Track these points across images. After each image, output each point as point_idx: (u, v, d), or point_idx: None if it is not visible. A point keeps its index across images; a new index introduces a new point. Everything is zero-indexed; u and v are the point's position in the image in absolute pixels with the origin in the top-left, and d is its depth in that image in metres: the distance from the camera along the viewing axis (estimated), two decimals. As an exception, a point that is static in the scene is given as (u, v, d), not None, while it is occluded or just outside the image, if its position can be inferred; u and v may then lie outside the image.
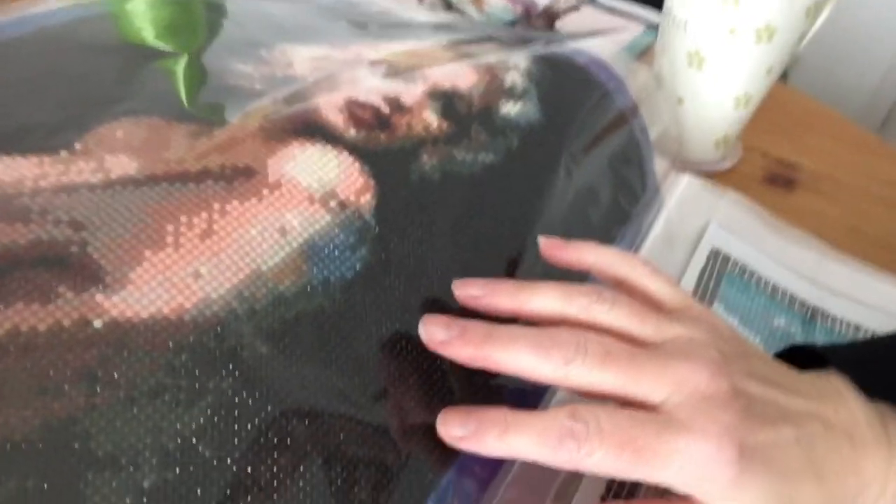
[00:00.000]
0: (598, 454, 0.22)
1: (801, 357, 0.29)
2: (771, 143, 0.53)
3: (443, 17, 0.43)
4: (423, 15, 0.43)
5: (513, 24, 0.61)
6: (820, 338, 0.35)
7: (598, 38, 0.40)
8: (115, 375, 0.21)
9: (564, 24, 0.63)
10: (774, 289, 0.38)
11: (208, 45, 0.34)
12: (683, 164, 0.48)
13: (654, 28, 0.66)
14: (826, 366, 0.27)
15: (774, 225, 0.43)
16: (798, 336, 0.35)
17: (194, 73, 0.30)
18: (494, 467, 0.27)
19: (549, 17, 0.63)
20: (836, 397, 0.25)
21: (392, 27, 0.40)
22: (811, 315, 0.36)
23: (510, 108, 0.34)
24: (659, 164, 0.43)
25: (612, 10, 0.66)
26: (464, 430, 0.23)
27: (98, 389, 0.21)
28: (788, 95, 0.60)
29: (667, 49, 0.44)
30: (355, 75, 0.33)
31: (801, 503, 0.23)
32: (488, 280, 0.27)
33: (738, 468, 0.22)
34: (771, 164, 0.51)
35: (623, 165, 0.38)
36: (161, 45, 0.32)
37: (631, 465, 0.22)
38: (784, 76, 1.05)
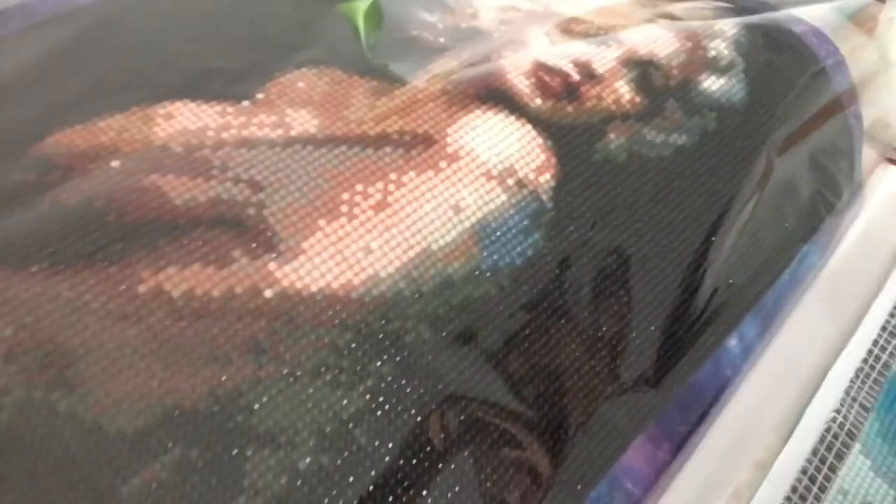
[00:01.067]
0: None
1: None
2: None
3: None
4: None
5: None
6: None
7: (820, 7, 0.35)
8: (281, 349, 0.21)
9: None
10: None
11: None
12: (889, 151, 0.42)
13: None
14: None
15: None
16: None
17: (375, 21, 0.29)
18: (648, 488, 0.26)
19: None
20: None
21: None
22: None
23: (711, 84, 0.30)
24: (868, 156, 0.37)
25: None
26: None
27: (264, 362, 0.20)
28: None
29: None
30: (544, 33, 0.30)
31: None
32: None
33: None
34: None
35: (829, 158, 0.33)
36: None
37: None
38: None
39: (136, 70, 0.25)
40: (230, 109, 0.24)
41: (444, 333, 0.23)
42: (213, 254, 0.21)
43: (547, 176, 0.26)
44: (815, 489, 0.26)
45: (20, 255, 0.20)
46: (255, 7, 0.28)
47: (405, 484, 0.21)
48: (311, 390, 0.21)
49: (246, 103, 0.24)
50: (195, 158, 0.22)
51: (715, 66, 0.31)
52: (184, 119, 0.23)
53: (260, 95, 0.25)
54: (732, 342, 0.29)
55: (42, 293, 0.19)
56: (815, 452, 0.27)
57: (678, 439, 0.27)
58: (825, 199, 0.33)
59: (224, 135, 0.23)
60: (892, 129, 0.42)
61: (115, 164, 0.22)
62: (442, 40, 0.28)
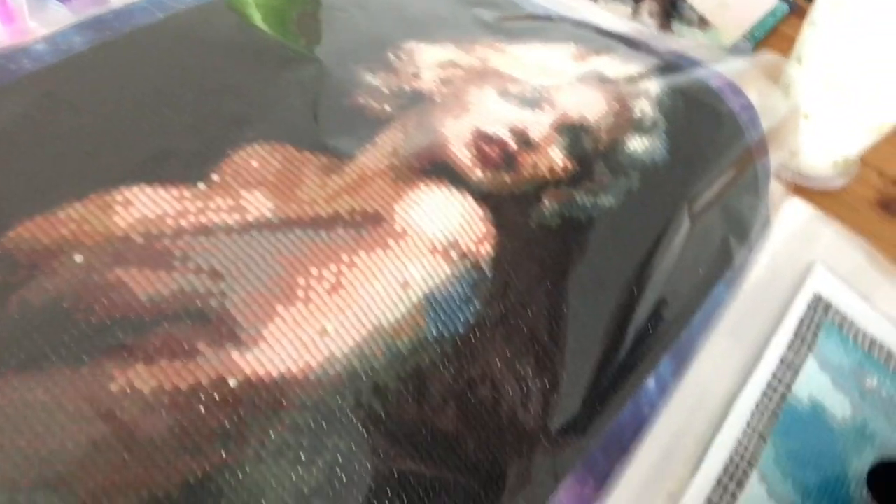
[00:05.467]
0: None
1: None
2: (889, 159, 0.50)
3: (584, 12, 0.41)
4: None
5: None
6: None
7: (733, 59, 0.38)
8: (246, 434, 0.22)
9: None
10: (872, 343, 0.37)
11: (331, 39, 0.33)
12: (793, 176, 0.46)
13: (786, 1, 0.61)
14: None
15: (879, 262, 0.41)
16: (888, 398, 0.35)
17: (324, 87, 0.30)
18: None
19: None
20: None
21: (520, 24, 0.38)
22: (903, 373, 0.36)
23: (636, 144, 0.33)
24: (773, 188, 0.41)
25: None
26: None
27: (230, 448, 0.22)
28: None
29: (805, 62, 0.41)
30: (482, 96, 0.32)
31: None
32: None
33: None
34: (887, 185, 0.48)
35: (740, 204, 0.36)
36: (281, 38, 0.32)
37: None
38: None
39: (89, 151, 0.25)
40: (187, 194, 0.25)
41: (394, 404, 0.25)
42: (179, 347, 0.22)
43: (487, 246, 0.28)
44: (718, 517, 0.30)
45: (-7, 360, 0.21)
46: (207, 78, 0.29)
47: (363, 548, 0.24)
48: (274, 470, 0.23)
49: (202, 186, 0.25)
50: (156, 250, 0.23)
51: (640, 127, 0.33)
52: (142, 206, 0.24)
53: (215, 177, 0.26)
54: (650, 383, 0.32)
55: (15, 396, 0.21)
56: (719, 482, 0.31)
57: (601, 476, 0.30)
58: (734, 242, 0.36)
59: (182, 222, 0.24)
60: (797, 158, 0.46)
61: (78, 258, 0.23)
62: (387, 108, 0.30)
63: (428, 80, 0.32)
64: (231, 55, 0.30)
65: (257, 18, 0.32)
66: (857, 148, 0.44)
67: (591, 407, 0.30)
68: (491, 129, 0.30)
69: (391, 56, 0.33)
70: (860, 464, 0.33)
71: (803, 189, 0.45)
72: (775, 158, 0.40)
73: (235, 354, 0.23)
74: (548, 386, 0.29)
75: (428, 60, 0.33)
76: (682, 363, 0.34)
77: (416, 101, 0.31)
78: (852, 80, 0.40)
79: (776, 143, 0.39)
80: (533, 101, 0.32)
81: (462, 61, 0.34)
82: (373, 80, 0.31)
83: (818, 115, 0.42)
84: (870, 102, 0.40)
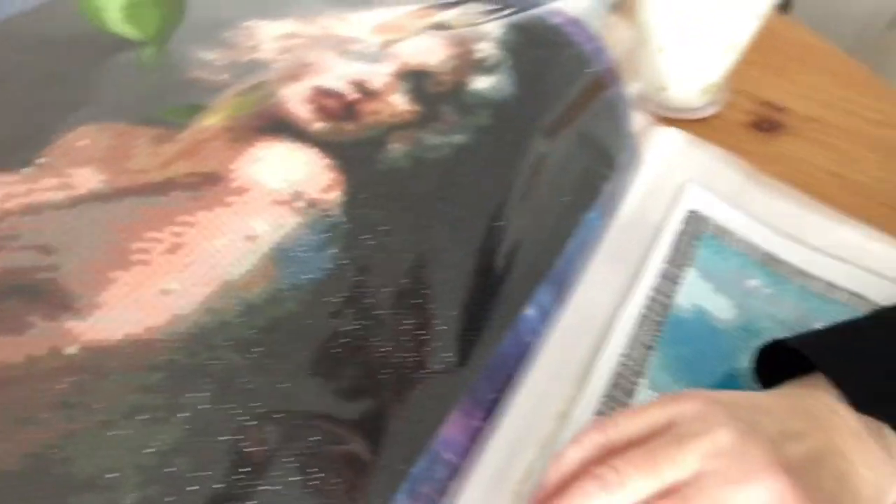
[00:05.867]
0: None
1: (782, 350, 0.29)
2: (760, 84, 0.51)
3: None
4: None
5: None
6: (791, 299, 0.36)
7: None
8: (92, 400, 0.22)
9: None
10: (749, 247, 0.38)
11: (172, 28, 0.33)
12: (667, 111, 0.47)
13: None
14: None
15: (755, 178, 0.43)
16: (770, 294, 0.36)
17: (159, 67, 0.30)
18: (464, 454, 0.29)
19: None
20: (831, 418, 0.26)
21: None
22: (787, 274, 0.37)
23: (481, 84, 0.33)
24: (639, 119, 0.42)
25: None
26: None
27: (75, 415, 0.22)
28: (783, 29, 0.58)
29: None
30: (322, 57, 0.32)
31: None
32: None
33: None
34: (758, 107, 0.50)
35: (599, 133, 0.37)
36: (126, 31, 0.32)
37: None
38: (786, 6, 1.01)
39: None
40: (10, 179, 0.25)
41: (253, 355, 0.25)
42: (10, 323, 0.22)
43: (336, 193, 0.28)
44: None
45: None
46: (38, 65, 0.29)
47: (232, 497, 0.23)
48: (127, 432, 0.22)
49: (27, 170, 0.25)
50: (-20, 234, 0.23)
51: (483, 67, 0.34)
52: (-36, 196, 0.24)
53: (41, 160, 0.26)
54: (530, 311, 0.33)
55: None
56: (608, 395, 0.31)
57: (488, 406, 0.30)
58: (598, 170, 0.37)
59: (7, 205, 0.24)
60: (666, 92, 0.47)
61: None
62: (225, 76, 0.30)
63: (267, 50, 0.33)
64: (63, 49, 0.30)
65: (97, 10, 0.32)
66: (718, 72, 0.45)
67: (467, 339, 0.30)
68: (329, 84, 0.30)
69: (228, 34, 0.33)
70: (746, 358, 0.33)
71: (679, 121, 0.46)
72: (633, 88, 0.41)
73: (71, 324, 0.23)
74: (420, 321, 0.29)
75: (268, 34, 0.34)
76: (561, 290, 0.34)
77: (252, 69, 0.31)
78: (695, 4, 0.41)
79: (629, 72, 0.40)
80: (373, 56, 0.33)
81: (303, 31, 0.34)
82: (208, 55, 0.31)
83: (673, 45, 0.44)
84: (715, 22, 0.42)
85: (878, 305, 0.36)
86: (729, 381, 0.33)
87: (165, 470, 0.22)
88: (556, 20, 0.37)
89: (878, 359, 0.29)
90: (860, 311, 0.36)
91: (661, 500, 0.24)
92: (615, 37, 0.40)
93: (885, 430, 0.27)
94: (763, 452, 0.24)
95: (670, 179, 0.41)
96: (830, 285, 0.37)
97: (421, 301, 0.29)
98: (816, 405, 0.27)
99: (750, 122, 0.49)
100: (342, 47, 0.33)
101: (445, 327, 0.29)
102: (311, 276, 0.27)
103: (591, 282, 0.35)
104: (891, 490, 0.26)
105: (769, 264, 0.38)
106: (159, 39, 0.32)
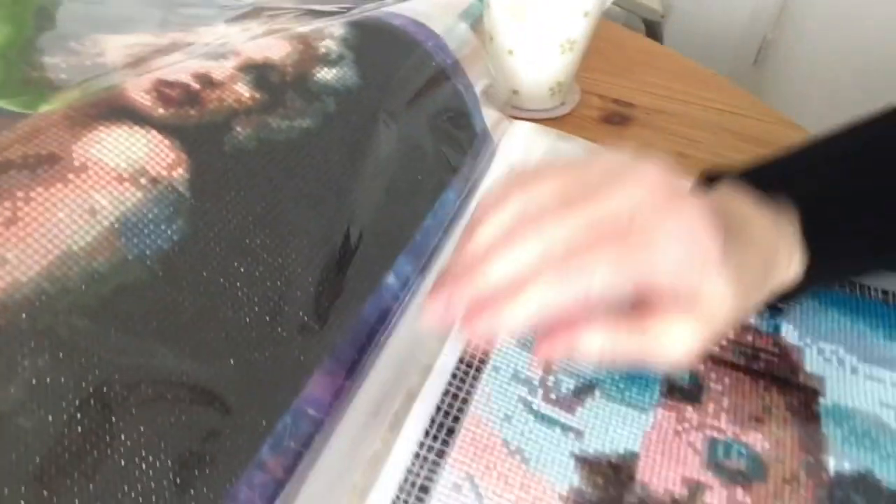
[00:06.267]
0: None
1: None
2: (609, 86, 0.56)
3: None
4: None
5: None
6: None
7: (419, 1, 0.42)
8: (-76, 364, 0.22)
9: None
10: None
11: (18, 43, 0.34)
12: (522, 113, 0.51)
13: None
14: None
15: (600, 149, 0.46)
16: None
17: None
18: (328, 410, 0.30)
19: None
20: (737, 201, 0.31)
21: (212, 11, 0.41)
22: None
23: (326, 74, 0.36)
24: (493, 115, 0.45)
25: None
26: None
27: None
28: (627, 38, 0.63)
29: (492, 5, 0.47)
30: (167, 59, 0.34)
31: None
32: (444, 284, 0.25)
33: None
34: (608, 104, 0.54)
35: (447, 118, 0.40)
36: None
37: None
38: (656, 34, 1.09)
39: None
40: None
41: (100, 321, 0.25)
42: None
43: (180, 170, 0.29)
44: (472, 371, 0.32)
45: None
46: None
47: (78, 458, 0.23)
48: (-36, 393, 0.22)
49: None
50: None
51: (327, 60, 0.36)
52: None
53: None
54: (390, 279, 0.34)
55: None
56: (466, 350, 0.33)
57: (352, 366, 0.31)
58: (451, 154, 0.40)
59: None
60: (519, 94, 0.51)
61: None
62: (63, 76, 0.31)
63: (113, 55, 0.34)
64: None
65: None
66: (561, 70, 0.49)
67: (324, 305, 0.31)
68: (172, 77, 0.32)
69: (73, 44, 0.34)
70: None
71: (535, 121, 0.49)
72: (481, 83, 0.44)
73: None
74: (269, 289, 0.30)
75: (114, 44, 0.35)
76: (421, 261, 0.36)
77: (96, 69, 0.32)
78: (528, 6, 0.45)
79: (473, 68, 0.43)
80: (218, 55, 0.35)
81: (150, 41, 0.36)
82: (51, 60, 0.32)
83: (518, 47, 0.47)
84: (548, 23, 0.46)
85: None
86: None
87: (9, 429, 0.22)
88: (398, 21, 0.40)
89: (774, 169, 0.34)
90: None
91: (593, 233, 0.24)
92: (454, 36, 0.43)
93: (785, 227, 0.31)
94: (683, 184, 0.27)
95: (524, 162, 0.44)
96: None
97: (273, 268, 0.30)
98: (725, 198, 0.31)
99: (601, 117, 0.53)
100: (187, 50, 0.35)
101: (300, 293, 0.30)
102: (158, 246, 0.28)
103: (452, 248, 0.37)
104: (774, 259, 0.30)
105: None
106: (5, 54, 0.32)
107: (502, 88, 0.50)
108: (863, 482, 0.30)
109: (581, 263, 0.24)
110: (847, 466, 0.31)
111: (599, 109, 0.54)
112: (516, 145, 0.45)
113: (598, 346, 0.25)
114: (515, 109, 0.51)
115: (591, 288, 0.24)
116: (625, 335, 0.25)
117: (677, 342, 0.26)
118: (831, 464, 0.31)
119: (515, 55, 0.48)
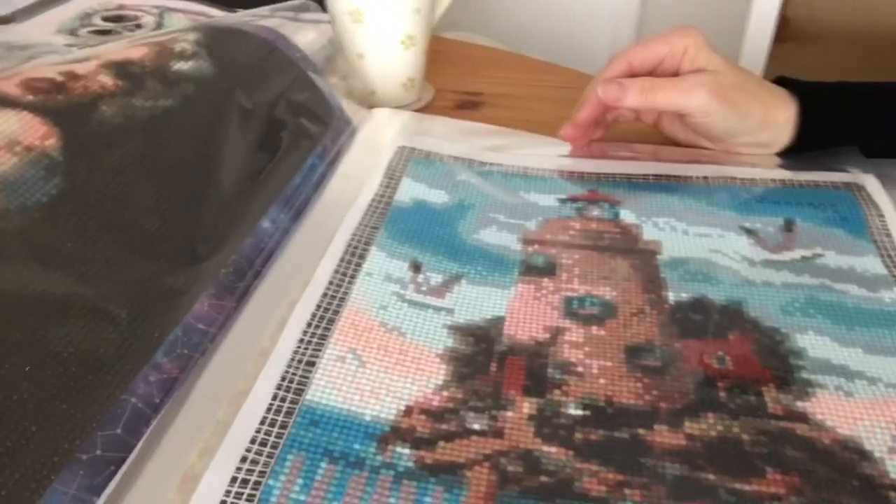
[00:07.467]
0: None
1: None
2: (459, 82, 0.63)
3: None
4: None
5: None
6: (497, 181, 0.43)
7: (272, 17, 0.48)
8: None
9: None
10: (455, 159, 0.46)
11: None
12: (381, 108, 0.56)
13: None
14: None
15: (459, 125, 0.52)
16: (477, 182, 0.43)
17: None
18: (217, 325, 0.33)
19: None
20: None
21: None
22: (489, 169, 0.45)
23: (182, 66, 0.40)
24: (353, 109, 0.51)
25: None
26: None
27: None
28: (477, 49, 0.71)
29: (335, 14, 0.53)
30: (37, 62, 0.38)
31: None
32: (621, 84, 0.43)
33: None
34: (459, 96, 0.60)
35: (303, 99, 0.45)
36: None
37: None
38: None
39: None
40: None
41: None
42: None
43: (52, 140, 0.33)
44: (347, 278, 0.35)
45: None
46: None
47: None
48: None
49: None
50: None
51: (182, 56, 0.41)
52: None
53: None
54: (266, 224, 0.38)
55: None
56: (341, 260, 0.36)
57: (238, 291, 0.35)
58: (309, 124, 0.45)
59: None
60: (376, 95, 0.57)
61: None
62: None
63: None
64: None
65: None
66: (409, 64, 0.55)
67: (210, 243, 0.35)
68: (38, 74, 0.36)
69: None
70: (464, 222, 0.40)
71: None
72: (332, 77, 0.50)
73: None
74: (146, 231, 0.33)
75: None
76: (294, 209, 0.40)
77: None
78: (362, 9, 0.51)
79: (333, 65, 0.49)
80: (84, 59, 0.39)
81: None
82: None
83: (365, 48, 0.53)
84: (383, 21, 0.52)
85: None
86: (451, 233, 0.39)
87: None
88: (248, 28, 0.46)
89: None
90: (555, 180, 0.44)
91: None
92: (305, 40, 0.49)
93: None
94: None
95: (382, 133, 0.49)
96: (526, 168, 0.46)
97: (149, 213, 0.34)
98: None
99: (454, 106, 0.59)
100: (55, 59, 0.39)
101: (175, 226, 0.34)
102: (37, 199, 0.31)
103: (322, 207, 0.41)
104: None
105: (474, 166, 0.46)
106: None
107: (361, 92, 0.55)
108: (698, 304, 0.35)
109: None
110: (684, 296, 0.35)
111: (453, 101, 0.60)
112: (375, 125, 0.50)
113: (640, 87, 0.42)
114: (376, 109, 0.56)
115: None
116: (661, 81, 0.43)
117: (702, 83, 0.42)
118: (671, 297, 0.35)
119: (365, 57, 0.54)
